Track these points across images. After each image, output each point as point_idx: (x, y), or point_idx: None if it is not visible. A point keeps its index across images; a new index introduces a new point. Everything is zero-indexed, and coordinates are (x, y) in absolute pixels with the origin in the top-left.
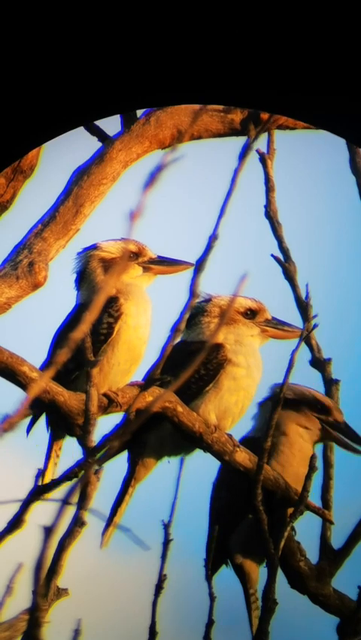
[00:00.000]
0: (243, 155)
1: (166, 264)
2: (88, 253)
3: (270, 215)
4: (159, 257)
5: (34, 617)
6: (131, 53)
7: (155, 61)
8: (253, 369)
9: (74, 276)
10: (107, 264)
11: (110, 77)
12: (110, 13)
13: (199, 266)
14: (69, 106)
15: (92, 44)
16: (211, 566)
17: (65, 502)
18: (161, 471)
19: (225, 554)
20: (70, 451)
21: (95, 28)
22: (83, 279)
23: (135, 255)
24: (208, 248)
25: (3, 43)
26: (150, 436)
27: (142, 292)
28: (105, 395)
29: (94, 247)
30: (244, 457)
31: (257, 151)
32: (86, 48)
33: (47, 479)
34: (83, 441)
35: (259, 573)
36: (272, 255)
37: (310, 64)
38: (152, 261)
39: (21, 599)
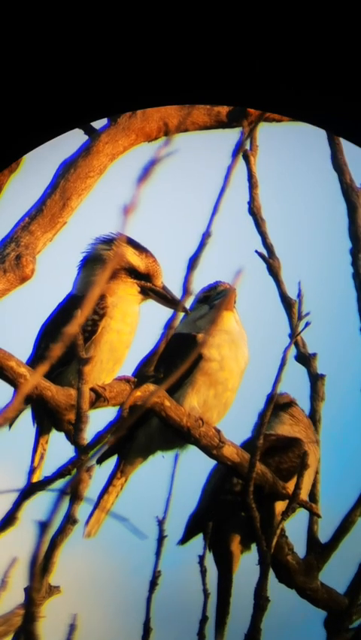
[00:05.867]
0: (236, 152)
1: (164, 299)
2: (103, 247)
3: (253, 211)
4: (164, 287)
5: (29, 611)
6: (124, 55)
7: (149, 63)
8: (227, 361)
9: (81, 258)
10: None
11: (106, 79)
12: (103, 13)
13: (193, 263)
14: (67, 108)
15: (87, 46)
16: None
17: (62, 494)
18: (155, 467)
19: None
20: (62, 445)
21: (89, 29)
22: (87, 266)
23: (140, 276)
24: (202, 245)
25: None
26: (139, 433)
27: (133, 307)
28: (93, 390)
29: (112, 243)
30: (231, 451)
31: None
32: (82, 50)
33: (37, 475)
34: (75, 439)
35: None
36: (256, 251)
37: (306, 63)
38: (153, 290)
39: (16, 594)
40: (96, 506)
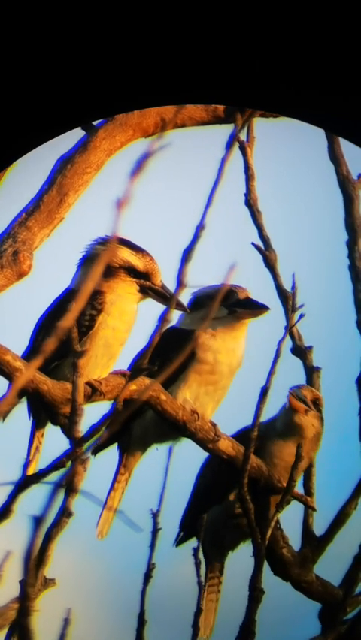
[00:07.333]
0: (230, 144)
1: (164, 297)
2: (101, 247)
3: (250, 203)
4: (163, 286)
5: (23, 605)
6: (124, 55)
7: (149, 63)
8: (220, 366)
9: (80, 256)
10: (110, 267)
11: (106, 79)
12: (103, 13)
13: (186, 255)
14: (66, 108)
15: (87, 47)
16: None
17: (56, 488)
18: (149, 460)
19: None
20: (56, 438)
21: (89, 29)
22: (85, 265)
23: (139, 275)
24: (195, 238)
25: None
26: (135, 425)
27: (131, 305)
28: (89, 384)
29: (109, 243)
30: (227, 445)
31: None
32: (81, 51)
33: (32, 468)
34: (69, 432)
35: (224, 561)
36: (253, 244)
37: (306, 63)
38: (153, 289)
39: (10, 588)
40: (104, 506)
